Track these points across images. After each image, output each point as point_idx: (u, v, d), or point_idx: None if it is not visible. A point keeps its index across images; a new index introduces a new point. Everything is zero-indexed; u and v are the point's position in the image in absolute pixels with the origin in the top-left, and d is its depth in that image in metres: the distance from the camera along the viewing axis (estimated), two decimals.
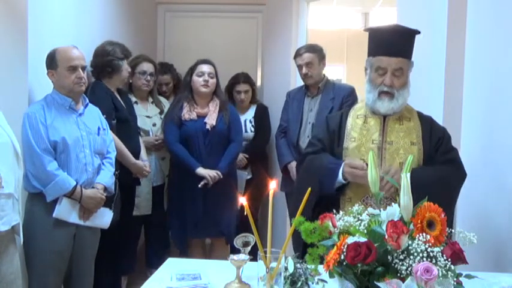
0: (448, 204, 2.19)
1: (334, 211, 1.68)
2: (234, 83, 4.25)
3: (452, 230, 1.62)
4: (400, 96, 2.23)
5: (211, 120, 3.55)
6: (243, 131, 4.05)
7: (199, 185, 3.48)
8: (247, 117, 4.23)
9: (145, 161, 3.42)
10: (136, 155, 3.33)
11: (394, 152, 2.24)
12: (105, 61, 3.25)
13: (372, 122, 2.30)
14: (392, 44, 2.21)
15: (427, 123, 2.32)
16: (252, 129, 4.21)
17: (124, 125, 3.23)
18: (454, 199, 2.28)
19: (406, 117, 2.30)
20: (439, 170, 2.21)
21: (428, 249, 1.44)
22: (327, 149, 2.37)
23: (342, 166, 2.22)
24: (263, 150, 4.37)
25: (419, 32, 2.28)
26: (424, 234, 1.47)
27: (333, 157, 2.32)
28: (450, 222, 2.11)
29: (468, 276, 1.57)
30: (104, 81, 3.28)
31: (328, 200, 2.23)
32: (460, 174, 2.28)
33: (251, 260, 1.82)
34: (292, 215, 2.17)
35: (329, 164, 2.27)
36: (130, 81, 3.72)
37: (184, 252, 3.66)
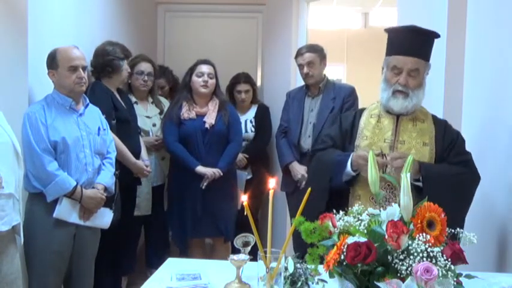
0: (461, 205, 2.20)
1: (334, 211, 1.68)
2: (234, 83, 4.25)
3: (459, 230, 1.62)
4: (415, 96, 2.23)
5: (210, 119, 3.55)
6: (244, 131, 4.05)
7: (203, 187, 3.49)
8: (248, 117, 4.23)
9: (146, 161, 3.42)
10: (137, 155, 3.33)
11: (406, 151, 2.23)
12: (105, 61, 3.25)
13: (386, 121, 2.31)
14: (409, 44, 2.20)
15: (441, 125, 2.32)
16: (253, 129, 4.21)
17: (124, 125, 3.23)
18: (468, 201, 2.25)
19: (420, 118, 2.30)
20: (453, 168, 2.21)
21: (428, 249, 1.44)
22: (339, 147, 2.39)
23: (350, 157, 2.24)
24: (264, 150, 4.37)
25: (438, 36, 2.27)
26: (424, 234, 1.47)
27: (341, 151, 2.34)
28: (461, 226, 2.11)
29: (468, 276, 1.57)
30: (103, 81, 3.28)
31: (338, 196, 2.24)
32: (473, 176, 2.26)
33: (251, 260, 1.82)
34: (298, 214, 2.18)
35: (338, 156, 2.30)
36: (129, 81, 3.71)
37: (184, 252, 3.66)
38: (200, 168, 3.49)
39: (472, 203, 2.28)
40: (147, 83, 3.74)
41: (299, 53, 3.82)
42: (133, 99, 3.70)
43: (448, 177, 2.16)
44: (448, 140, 2.28)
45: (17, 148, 2.27)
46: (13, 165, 2.23)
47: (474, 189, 2.26)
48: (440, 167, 2.22)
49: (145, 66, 3.71)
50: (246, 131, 4.15)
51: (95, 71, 3.31)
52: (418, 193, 2.05)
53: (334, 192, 2.27)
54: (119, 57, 3.26)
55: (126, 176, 3.21)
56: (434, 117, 2.34)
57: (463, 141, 2.33)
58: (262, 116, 4.27)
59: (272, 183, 1.62)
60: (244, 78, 4.24)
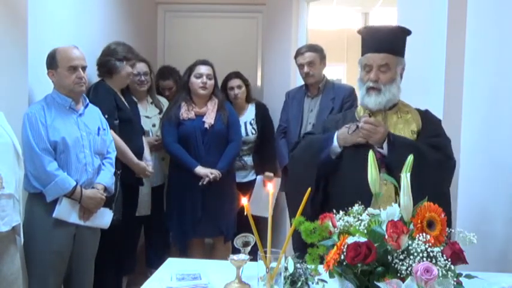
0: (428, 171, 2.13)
1: (334, 211, 1.68)
2: (226, 80, 4.15)
3: (452, 230, 1.62)
4: (387, 91, 2.25)
5: (209, 119, 3.54)
6: (244, 134, 3.99)
7: (200, 183, 3.48)
8: (247, 119, 4.10)
9: (148, 161, 3.42)
10: (140, 155, 3.33)
11: None
12: (103, 61, 3.25)
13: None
14: (378, 41, 2.25)
15: (425, 113, 2.34)
16: (253, 131, 4.13)
17: (127, 125, 3.23)
18: (437, 180, 2.19)
19: (404, 110, 2.33)
20: (421, 145, 2.19)
21: (428, 249, 1.44)
22: None
23: (336, 133, 2.29)
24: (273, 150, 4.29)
25: (409, 32, 2.30)
26: (424, 234, 1.47)
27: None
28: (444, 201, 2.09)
29: (468, 276, 1.57)
30: (107, 80, 3.27)
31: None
32: (444, 159, 2.20)
33: (251, 260, 1.82)
34: (292, 214, 2.18)
35: (323, 136, 2.36)
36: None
37: (184, 252, 3.66)
38: (199, 169, 3.49)
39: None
40: (144, 82, 3.73)
41: (299, 53, 3.82)
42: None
43: (416, 146, 2.13)
44: (434, 125, 2.29)
45: (17, 148, 2.27)
46: (13, 166, 2.23)
47: (445, 173, 2.21)
48: (414, 141, 2.22)
49: (140, 67, 3.70)
50: (247, 134, 4.04)
51: (99, 70, 3.30)
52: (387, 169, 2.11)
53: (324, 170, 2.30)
54: (117, 59, 3.25)
55: (128, 176, 3.21)
56: (416, 108, 2.37)
57: (443, 130, 2.33)
58: (264, 115, 4.20)
59: (270, 186, 1.62)
60: (235, 74, 4.13)
